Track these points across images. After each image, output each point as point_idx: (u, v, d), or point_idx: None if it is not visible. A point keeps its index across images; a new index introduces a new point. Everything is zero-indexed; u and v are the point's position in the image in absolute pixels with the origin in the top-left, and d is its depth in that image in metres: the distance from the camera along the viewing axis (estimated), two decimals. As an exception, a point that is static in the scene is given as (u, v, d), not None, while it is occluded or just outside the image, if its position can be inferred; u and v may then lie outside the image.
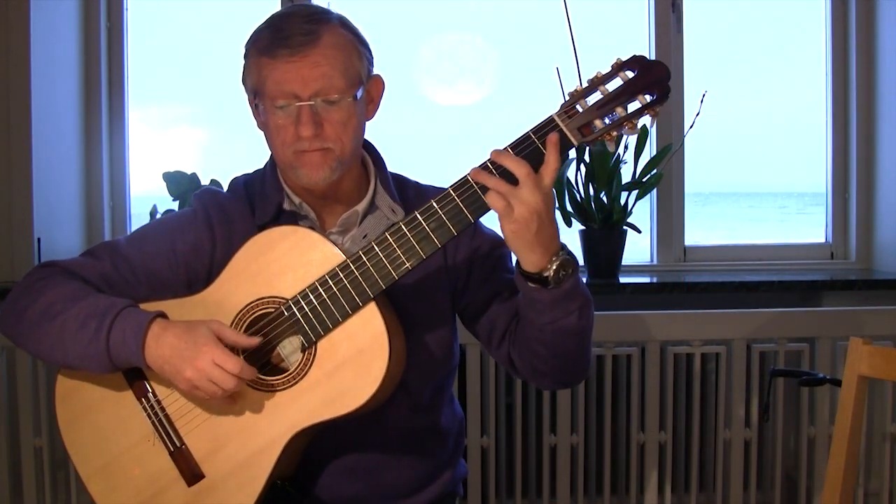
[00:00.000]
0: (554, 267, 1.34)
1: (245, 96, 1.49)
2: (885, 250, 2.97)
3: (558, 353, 1.44)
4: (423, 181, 1.62)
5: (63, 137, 2.84)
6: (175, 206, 2.73)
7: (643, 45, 3.01)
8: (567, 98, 1.34)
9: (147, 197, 2.90)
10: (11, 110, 2.68)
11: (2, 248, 2.70)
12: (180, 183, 2.74)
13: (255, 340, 1.38)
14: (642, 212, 2.92)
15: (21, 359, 2.45)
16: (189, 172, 2.76)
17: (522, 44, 3.19)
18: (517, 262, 1.37)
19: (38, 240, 2.69)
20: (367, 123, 1.51)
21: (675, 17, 2.97)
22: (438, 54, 3.10)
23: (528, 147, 1.32)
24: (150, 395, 1.44)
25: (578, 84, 1.34)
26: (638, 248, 3.02)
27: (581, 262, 2.81)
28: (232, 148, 3.15)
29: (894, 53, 2.90)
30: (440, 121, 3.19)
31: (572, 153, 2.55)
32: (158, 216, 2.63)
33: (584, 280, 2.72)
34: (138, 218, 3.01)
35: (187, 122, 3.25)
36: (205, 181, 2.75)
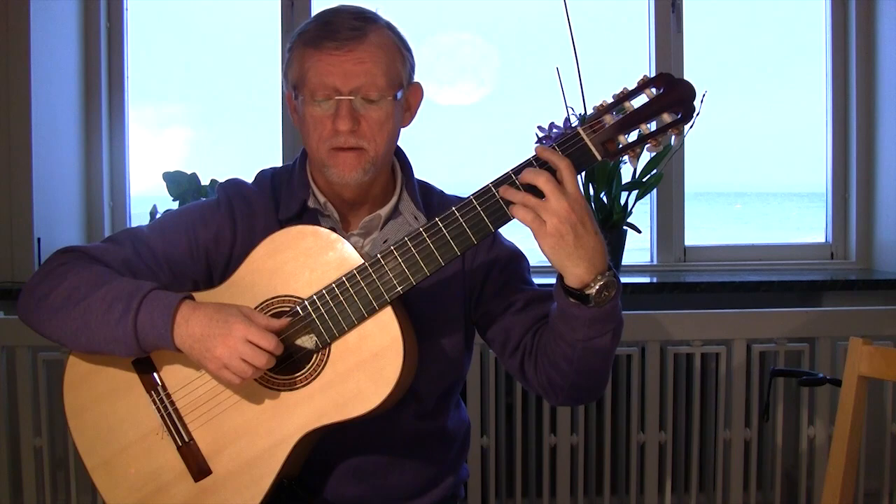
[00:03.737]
0: (597, 286, 1.31)
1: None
2: (885, 250, 2.97)
3: (582, 370, 1.42)
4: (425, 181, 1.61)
5: (63, 137, 2.84)
6: (175, 206, 2.73)
7: (643, 45, 3.01)
8: (592, 111, 1.33)
9: (147, 197, 2.90)
10: (11, 110, 2.68)
11: (2, 248, 2.70)
12: (180, 183, 2.74)
13: (285, 322, 1.36)
14: (642, 212, 2.92)
15: (21, 359, 2.45)
16: (189, 172, 2.76)
17: (522, 44, 3.19)
18: (559, 276, 1.34)
19: (38, 240, 2.69)
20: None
21: (674, 18, 2.97)
22: (438, 54, 3.10)
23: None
24: (160, 388, 1.43)
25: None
26: (638, 248, 3.02)
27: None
28: (232, 148, 3.15)
29: (894, 54, 2.90)
30: (439, 121, 3.19)
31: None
32: (158, 216, 2.63)
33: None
34: (138, 218, 3.01)
35: (187, 121, 3.25)
36: (205, 181, 2.75)
